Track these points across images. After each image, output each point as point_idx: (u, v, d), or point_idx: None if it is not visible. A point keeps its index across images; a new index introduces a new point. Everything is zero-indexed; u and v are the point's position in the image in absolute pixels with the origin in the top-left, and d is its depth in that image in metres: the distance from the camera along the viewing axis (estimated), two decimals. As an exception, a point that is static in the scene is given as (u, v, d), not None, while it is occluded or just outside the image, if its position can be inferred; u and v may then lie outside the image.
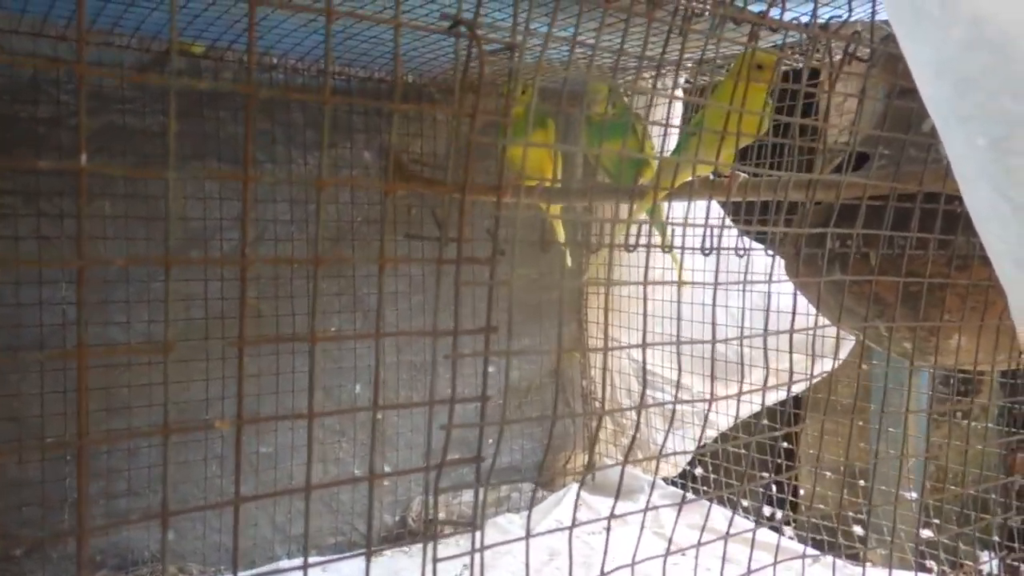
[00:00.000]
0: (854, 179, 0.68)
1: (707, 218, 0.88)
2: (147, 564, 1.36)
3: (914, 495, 1.47)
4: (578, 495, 1.56)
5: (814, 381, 1.60)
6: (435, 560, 0.45)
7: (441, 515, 1.66)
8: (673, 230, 1.21)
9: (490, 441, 1.69)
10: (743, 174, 1.08)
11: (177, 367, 1.30)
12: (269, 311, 1.40)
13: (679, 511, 0.74)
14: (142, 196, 1.28)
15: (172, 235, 1.28)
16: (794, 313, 0.73)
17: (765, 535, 1.50)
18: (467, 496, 1.71)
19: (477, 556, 0.47)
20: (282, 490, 0.39)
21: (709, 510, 0.91)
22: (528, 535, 0.54)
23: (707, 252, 1.05)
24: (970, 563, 1.37)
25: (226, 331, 1.35)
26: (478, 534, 0.48)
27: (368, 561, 0.45)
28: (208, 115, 1.31)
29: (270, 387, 1.40)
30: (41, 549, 1.26)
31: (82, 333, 0.35)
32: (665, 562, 0.64)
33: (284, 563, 1.44)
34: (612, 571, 0.61)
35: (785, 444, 1.56)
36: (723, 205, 1.50)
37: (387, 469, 1.59)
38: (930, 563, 1.36)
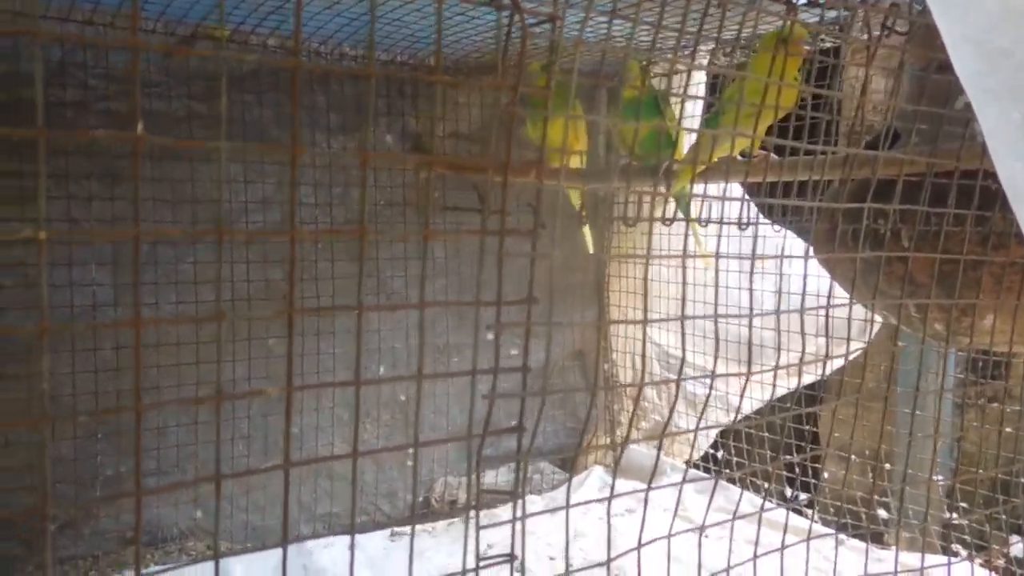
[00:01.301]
0: (892, 155, 0.68)
1: (741, 195, 0.87)
2: (176, 540, 1.38)
3: (940, 479, 1.46)
4: (615, 472, 1.56)
5: (842, 364, 1.60)
6: (478, 528, 0.45)
7: (464, 496, 1.67)
8: (698, 206, 1.21)
9: (512, 423, 1.70)
10: (773, 154, 1.07)
11: (207, 348, 1.31)
12: (295, 293, 1.41)
13: (711, 497, 0.74)
14: (168, 180, 1.28)
15: (202, 214, 1.30)
16: (830, 296, 0.72)
17: (788, 518, 1.50)
18: (489, 478, 1.72)
19: (518, 525, 0.47)
20: (331, 456, 0.40)
21: (740, 496, 0.91)
22: (568, 504, 0.54)
23: (744, 227, 1.04)
24: (996, 547, 1.36)
25: (252, 311, 1.36)
26: (520, 503, 0.48)
27: (412, 533, 0.45)
28: (233, 98, 1.32)
29: (296, 368, 1.41)
30: (74, 525, 1.28)
31: (138, 303, 0.35)
32: (701, 538, 0.64)
33: (310, 542, 1.45)
34: (631, 550, 0.61)
35: (810, 427, 1.55)
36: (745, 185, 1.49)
37: (411, 450, 1.60)
38: (956, 547, 1.36)
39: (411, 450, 1.61)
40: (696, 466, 1.80)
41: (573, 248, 1.55)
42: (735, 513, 0.74)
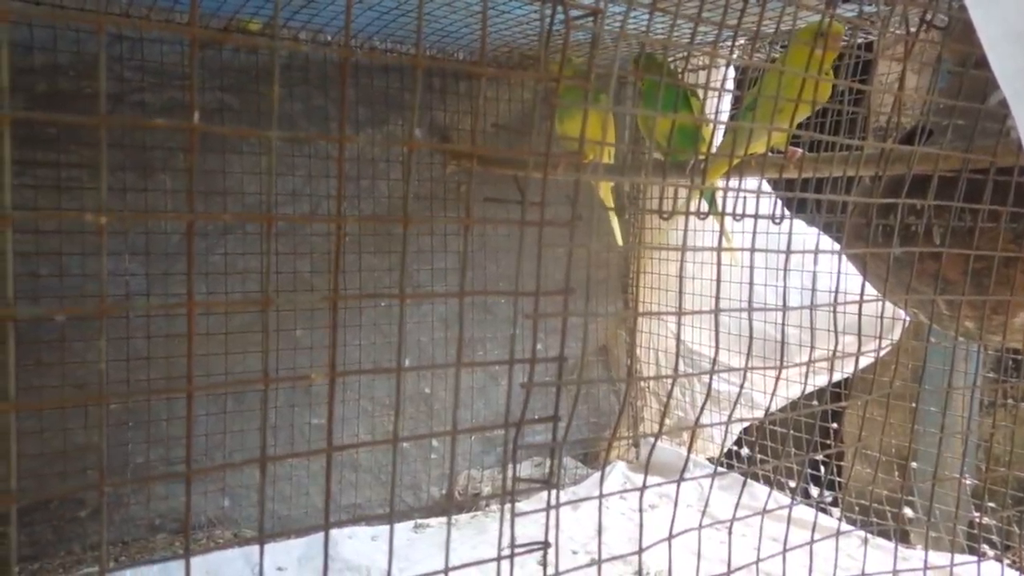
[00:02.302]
0: (928, 151, 0.67)
1: (769, 190, 0.87)
2: (203, 528, 1.40)
3: (968, 480, 1.45)
4: (648, 460, 1.56)
5: (868, 362, 1.59)
6: (513, 515, 0.46)
7: (487, 489, 1.68)
8: (725, 201, 1.21)
9: (537, 416, 1.71)
10: (801, 149, 1.07)
11: (234, 339, 1.33)
12: (321, 285, 1.43)
13: (740, 493, 0.74)
14: (200, 171, 1.30)
15: (232, 205, 1.31)
16: (862, 293, 0.72)
17: (811, 515, 1.50)
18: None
19: (552, 513, 0.48)
20: (374, 441, 0.40)
21: (769, 494, 0.91)
22: (601, 495, 0.55)
23: (779, 221, 1.04)
24: (1024, 548, 1.34)
25: (280, 303, 1.37)
26: (554, 492, 0.49)
27: (449, 523, 0.46)
28: (264, 91, 1.33)
29: (321, 359, 1.43)
30: (107, 511, 1.30)
31: (191, 285, 0.36)
32: (732, 532, 0.64)
33: (335, 532, 1.47)
34: (653, 545, 0.62)
35: (834, 425, 1.54)
36: (772, 183, 1.48)
37: (435, 444, 1.61)
38: (984, 547, 1.35)
39: (435, 443, 1.62)
40: (720, 463, 1.80)
41: (600, 242, 1.55)
42: (764, 508, 0.74)
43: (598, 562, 0.54)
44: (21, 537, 1.24)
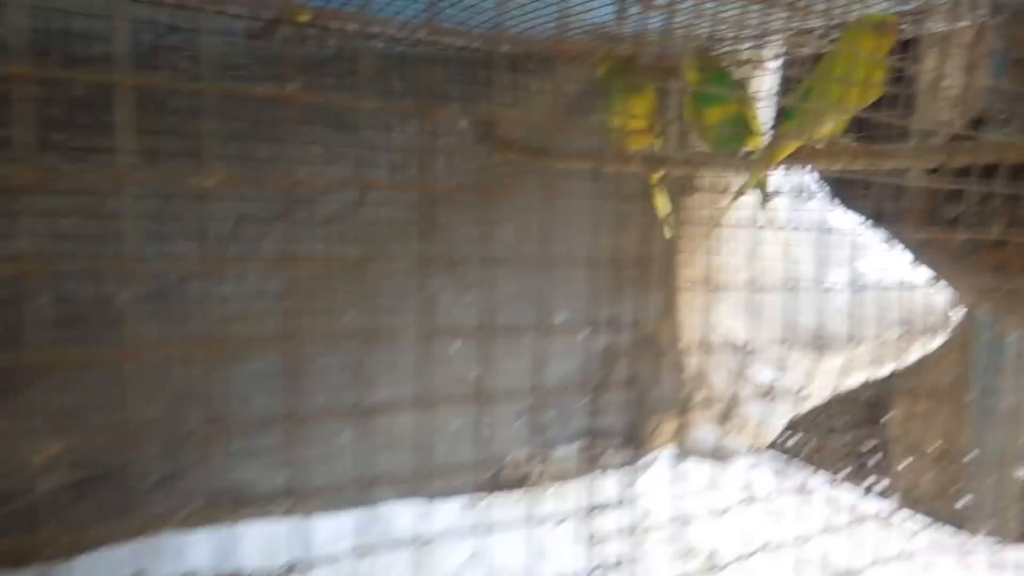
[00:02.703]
0: (998, 140, 0.66)
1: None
2: (261, 500, 1.46)
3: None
4: (722, 440, 1.57)
5: (920, 356, 1.55)
6: (596, 478, 0.48)
7: (533, 470, 1.71)
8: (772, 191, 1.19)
9: (585, 401, 1.72)
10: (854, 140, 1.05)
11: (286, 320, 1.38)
12: (372, 270, 1.46)
13: (782, 478, 0.74)
14: (251, 159, 1.34)
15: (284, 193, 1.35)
16: (917, 284, 0.71)
17: (862, 503, 1.48)
18: (561, 452, 1.74)
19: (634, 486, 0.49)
20: (460, 400, 0.42)
21: (806, 477, 0.90)
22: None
23: (808, 198, 1.03)
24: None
25: (331, 288, 1.41)
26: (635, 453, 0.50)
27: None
28: (314, 81, 1.37)
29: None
30: (165, 483, 1.37)
31: (292, 246, 0.39)
32: (773, 512, 0.65)
33: (388, 507, 1.51)
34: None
35: (885, 415, 1.52)
36: (823, 180, 1.45)
37: (485, 423, 1.64)
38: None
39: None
40: (768, 450, 1.78)
41: (645, 229, 1.55)
42: (805, 490, 0.74)
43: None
44: (89, 506, 1.32)
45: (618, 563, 0.47)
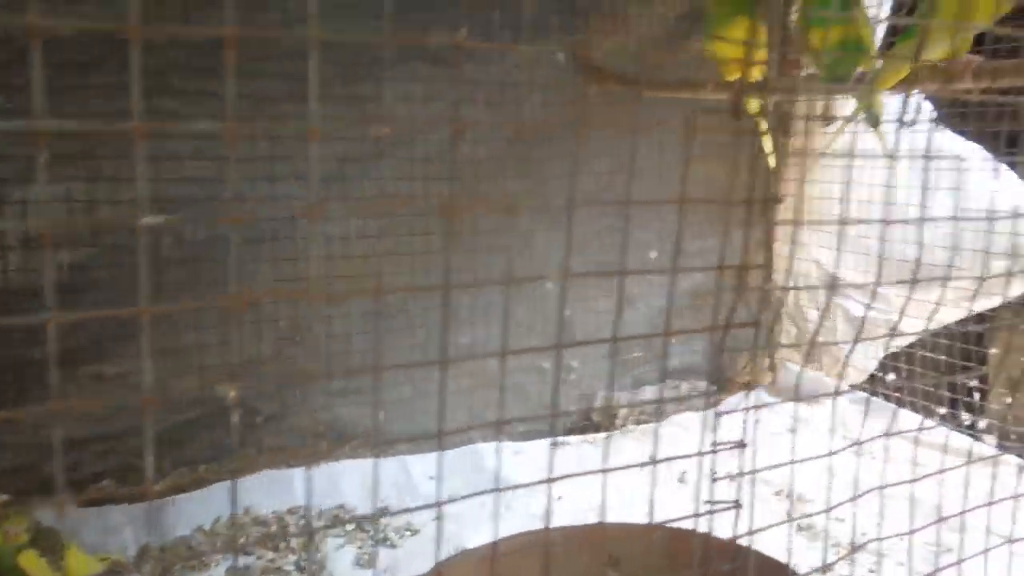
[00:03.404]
0: None
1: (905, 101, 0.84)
2: (359, 438, 1.50)
3: None
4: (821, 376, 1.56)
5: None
6: (716, 414, 0.48)
7: (623, 410, 1.72)
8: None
9: (636, 354, 1.72)
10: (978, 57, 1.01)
11: (386, 260, 1.39)
12: (465, 209, 1.46)
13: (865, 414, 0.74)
14: (356, 97, 1.35)
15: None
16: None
17: (960, 441, 1.46)
18: (647, 392, 1.75)
19: (753, 415, 0.50)
20: (539, 347, 0.43)
21: (895, 415, 0.89)
22: (797, 398, 0.56)
23: (910, 124, 0.99)
24: None
25: (429, 227, 1.43)
26: (752, 394, 0.50)
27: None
28: (412, 19, 1.36)
29: (455, 278, 1.47)
30: (276, 420, 1.42)
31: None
32: (859, 463, 0.65)
33: (481, 445, 1.54)
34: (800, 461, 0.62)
35: (991, 350, 1.49)
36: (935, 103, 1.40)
37: (574, 364, 1.66)
38: None
39: (574, 363, 1.66)
40: (863, 389, 1.77)
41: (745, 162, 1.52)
42: (919, 430, 0.74)
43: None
44: (204, 440, 1.37)
45: (736, 504, 0.47)
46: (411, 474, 1.45)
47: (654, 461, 0.53)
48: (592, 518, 1.25)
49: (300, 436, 1.45)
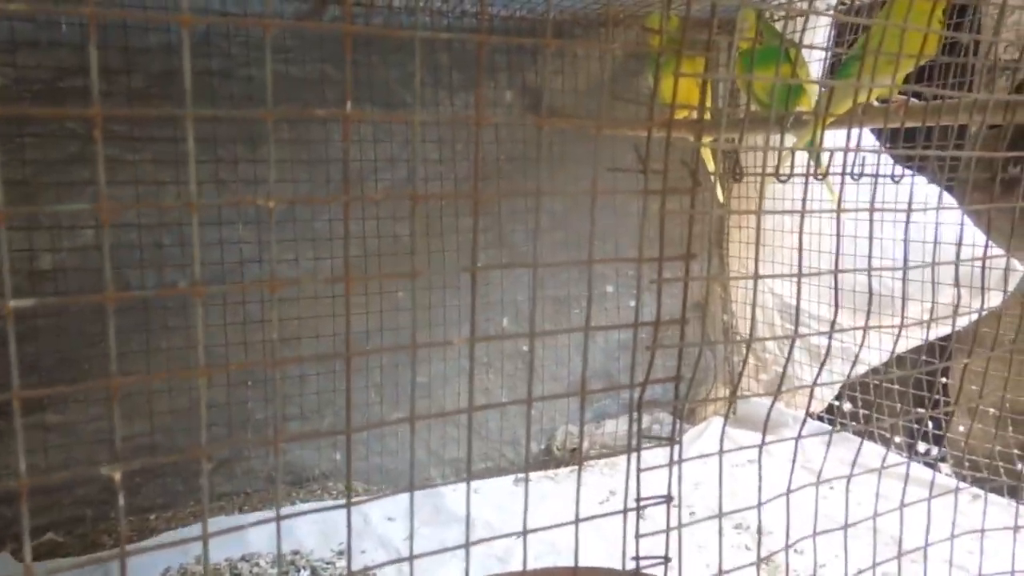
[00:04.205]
0: None
1: (857, 143, 0.85)
2: (317, 480, 1.48)
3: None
4: (728, 418, 1.55)
5: (977, 317, 1.53)
6: (639, 470, 0.48)
7: (585, 444, 1.71)
8: (830, 157, 1.18)
9: (597, 387, 1.72)
10: (912, 98, 1.04)
11: (340, 301, 1.39)
12: (422, 247, 1.46)
13: (828, 445, 0.74)
14: (303, 141, 1.35)
15: (335, 173, 1.36)
16: (986, 248, 0.70)
17: (920, 471, 1.47)
18: (609, 427, 1.75)
19: (675, 469, 0.50)
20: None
21: (860, 445, 0.90)
22: (721, 450, 0.56)
23: (856, 177, 1.02)
24: None
25: (382, 266, 1.42)
26: (677, 448, 0.51)
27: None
28: (361, 60, 1.37)
29: (423, 320, 1.47)
30: (227, 465, 1.39)
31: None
32: (817, 496, 0.65)
33: (440, 487, 1.53)
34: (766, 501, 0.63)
35: (943, 380, 1.50)
36: (878, 133, 1.43)
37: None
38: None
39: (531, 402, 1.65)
40: (820, 418, 1.78)
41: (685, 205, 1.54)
42: (882, 466, 0.74)
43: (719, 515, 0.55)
44: (155, 488, 1.34)
45: (665, 559, 0.47)
46: (368, 517, 1.43)
47: (576, 521, 0.53)
48: (553, 556, 1.24)
49: (255, 480, 1.43)
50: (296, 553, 1.31)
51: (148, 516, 1.34)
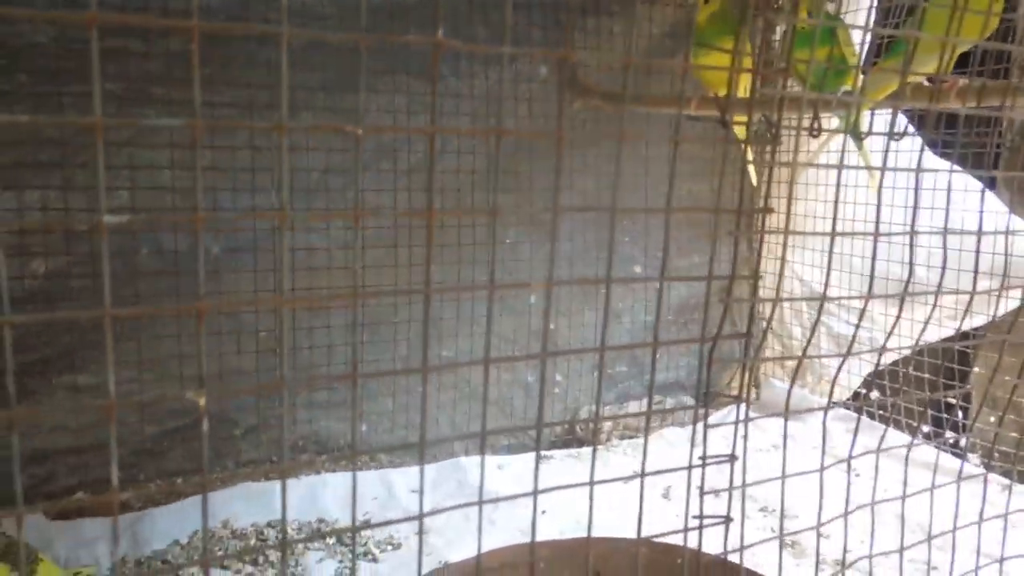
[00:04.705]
0: None
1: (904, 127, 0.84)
2: (343, 450, 1.48)
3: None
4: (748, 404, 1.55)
5: (1010, 308, 1.51)
6: (706, 428, 0.47)
7: (607, 424, 1.71)
8: (871, 121, 1.17)
9: (621, 368, 1.71)
10: (963, 78, 1.02)
11: (371, 272, 1.39)
12: (451, 222, 1.46)
13: (856, 430, 0.73)
14: (338, 109, 1.35)
15: (367, 143, 1.35)
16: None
17: (947, 460, 1.46)
18: (632, 407, 1.75)
19: (742, 428, 0.49)
20: (525, 356, 0.42)
21: (885, 432, 0.88)
22: (787, 412, 0.55)
23: (898, 137, 1.00)
24: None
25: (412, 239, 1.42)
26: (743, 405, 0.50)
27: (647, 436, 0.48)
28: (398, 29, 1.36)
29: (452, 294, 1.47)
30: (256, 431, 1.40)
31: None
32: (849, 478, 0.64)
33: (463, 459, 1.53)
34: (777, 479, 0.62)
35: (975, 369, 1.49)
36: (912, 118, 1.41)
37: (558, 378, 1.65)
38: None
39: (558, 377, 1.65)
40: (846, 406, 1.76)
41: (729, 177, 1.52)
42: (909, 449, 0.73)
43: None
44: (183, 452, 1.35)
45: (726, 519, 0.47)
46: (393, 488, 1.43)
47: (642, 474, 0.52)
48: (577, 532, 1.24)
49: (279, 448, 1.44)
50: (321, 521, 1.32)
51: (175, 480, 1.34)
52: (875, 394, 1.66)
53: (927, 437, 1.57)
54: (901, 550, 0.71)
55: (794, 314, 1.79)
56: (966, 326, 1.52)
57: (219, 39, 1.23)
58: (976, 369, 1.57)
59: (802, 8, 1.10)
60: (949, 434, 1.57)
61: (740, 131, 1.39)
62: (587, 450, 1.66)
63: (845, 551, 0.74)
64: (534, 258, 1.57)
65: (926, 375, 1.56)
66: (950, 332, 1.53)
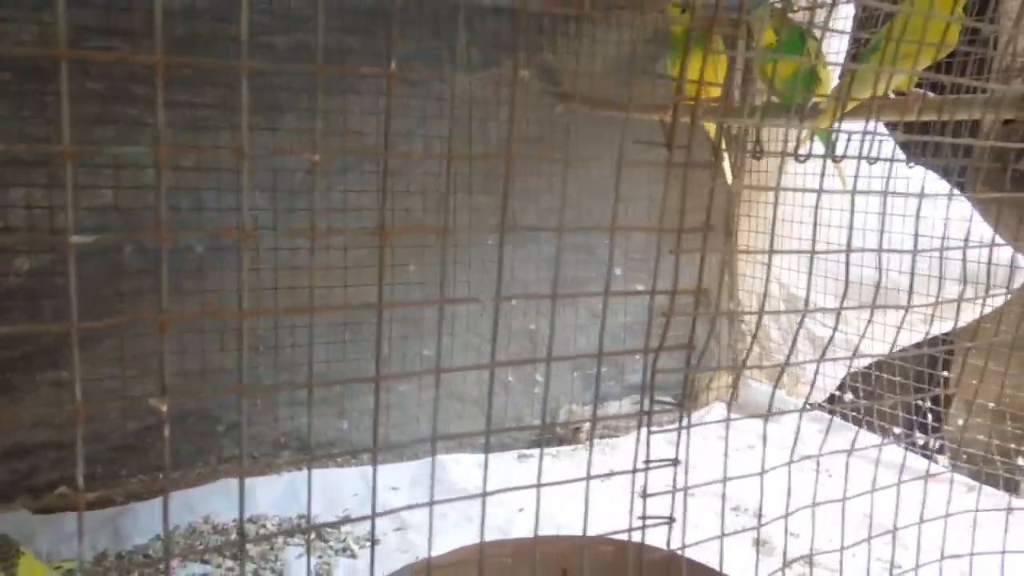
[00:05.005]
0: None
1: (874, 129, 0.87)
2: (323, 448, 1.50)
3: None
4: (730, 407, 1.57)
5: (981, 314, 1.54)
6: (649, 434, 0.50)
7: (587, 423, 1.74)
8: (847, 141, 1.19)
9: (636, 359, 1.74)
10: (926, 91, 1.04)
11: (352, 272, 1.40)
12: (433, 222, 1.48)
13: (827, 430, 0.76)
14: (322, 111, 1.36)
15: (350, 144, 1.37)
16: (992, 240, 0.72)
17: (916, 462, 1.49)
18: (612, 408, 1.77)
19: (684, 434, 0.51)
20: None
21: (856, 433, 0.91)
22: (728, 418, 0.58)
23: (872, 161, 1.03)
24: None
25: (393, 240, 1.44)
26: (684, 414, 0.52)
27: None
28: (379, 33, 1.37)
29: (434, 294, 1.49)
30: (237, 428, 1.42)
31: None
32: (818, 477, 0.67)
33: (443, 457, 1.55)
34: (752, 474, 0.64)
35: (944, 373, 1.52)
36: (891, 126, 1.44)
37: (539, 378, 1.67)
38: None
39: (538, 377, 1.68)
40: (821, 407, 1.79)
41: (700, 182, 1.55)
42: (878, 459, 0.76)
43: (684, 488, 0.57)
44: (164, 448, 1.36)
45: (669, 520, 0.49)
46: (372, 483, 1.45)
47: (587, 477, 0.55)
48: (552, 530, 1.26)
49: (262, 445, 1.46)
50: (302, 517, 1.34)
51: (157, 475, 1.36)
52: (848, 396, 1.69)
53: (897, 439, 1.60)
54: (869, 539, 0.74)
55: (772, 317, 1.82)
56: (936, 331, 1.55)
57: (200, 39, 1.25)
58: (946, 374, 1.60)
59: (768, 26, 1.12)
60: (919, 436, 1.60)
61: (711, 129, 1.41)
62: (566, 448, 1.69)
63: (812, 546, 0.77)
64: (516, 257, 1.59)
65: (897, 378, 1.59)
66: (922, 337, 1.56)
